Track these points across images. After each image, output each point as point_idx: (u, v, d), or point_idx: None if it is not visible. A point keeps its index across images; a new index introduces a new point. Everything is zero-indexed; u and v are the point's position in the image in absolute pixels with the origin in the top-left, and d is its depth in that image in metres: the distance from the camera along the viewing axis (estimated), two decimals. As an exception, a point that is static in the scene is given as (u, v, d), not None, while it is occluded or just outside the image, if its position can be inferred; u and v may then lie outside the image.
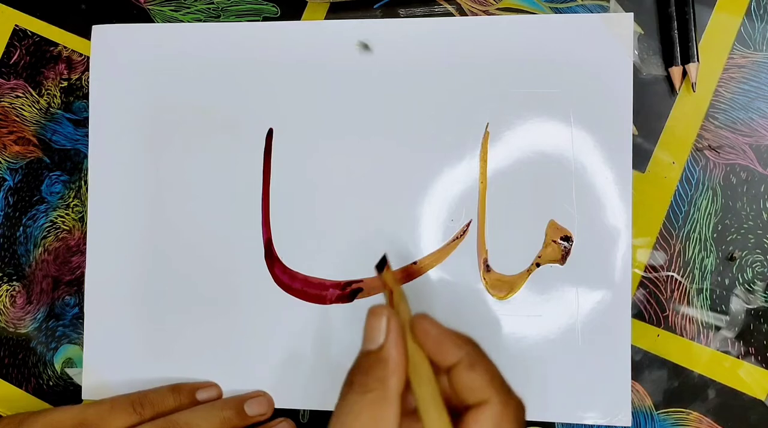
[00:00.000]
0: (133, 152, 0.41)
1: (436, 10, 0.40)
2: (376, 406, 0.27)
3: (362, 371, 0.28)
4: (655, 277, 0.38)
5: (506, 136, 0.39)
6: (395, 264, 0.39)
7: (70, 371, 0.42)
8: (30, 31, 0.43)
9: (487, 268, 0.39)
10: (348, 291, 0.39)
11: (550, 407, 0.38)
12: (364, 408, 0.27)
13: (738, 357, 0.38)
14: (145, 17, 0.42)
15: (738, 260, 0.38)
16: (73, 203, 0.42)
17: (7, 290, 0.43)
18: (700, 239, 0.38)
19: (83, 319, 0.41)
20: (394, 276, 0.30)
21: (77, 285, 0.42)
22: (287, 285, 0.40)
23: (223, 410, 0.38)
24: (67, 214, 0.42)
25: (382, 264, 0.30)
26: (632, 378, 0.38)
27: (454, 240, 0.39)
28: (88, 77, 0.42)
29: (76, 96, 0.43)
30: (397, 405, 0.27)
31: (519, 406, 0.27)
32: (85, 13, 0.43)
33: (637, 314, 0.38)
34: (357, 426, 0.26)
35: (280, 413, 0.39)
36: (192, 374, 0.40)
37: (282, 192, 0.40)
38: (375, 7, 0.41)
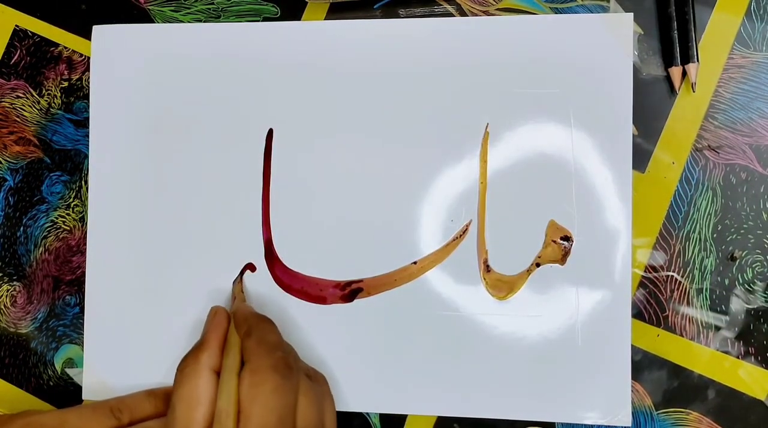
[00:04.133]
0: (134, 152, 0.41)
1: (436, 10, 0.40)
2: (189, 377, 0.33)
3: (186, 355, 0.34)
4: (655, 277, 0.39)
5: (506, 136, 0.39)
6: (396, 264, 0.39)
7: (70, 371, 0.42)
8: (30, 32, 0.43)
9: (487, 268, 0.39)
10: (348, 291, 0.39)
11: (550, 407, 0.38)
12: (182, 380, 0.33)
13: (738, 357, 0.38)
14: (145, 18, 0.42)
15: (738, 260, 0.38)
16: (74, 203, 0.42)
17: (8, 290, 0.43)
18: (700, 239, 0.38)
19: (84, 319, 0.41)
20: (240, 288, 0.40)
21: (78, 285, 0.42)
22: (287, 285, 0.40)
23: None
24: (67, 214, 0.42)
25: (235, 280, 0.40)
26: (632, 378, 0.38)
27: (454, 240, 0.39)
28: (89, 77, 0.42)
29: (77, 96, 0.43)
30: (206, 375, 0.33)
31: (277, 362, 0.33)
32: (85, 14, 0.43)
33: (637, 314, 0.38)
34: (177, 395, 0.33)
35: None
36: (192, 374, 0.40)
37: (282, 192, 0.40)
38: (375, 7, 0.41)
